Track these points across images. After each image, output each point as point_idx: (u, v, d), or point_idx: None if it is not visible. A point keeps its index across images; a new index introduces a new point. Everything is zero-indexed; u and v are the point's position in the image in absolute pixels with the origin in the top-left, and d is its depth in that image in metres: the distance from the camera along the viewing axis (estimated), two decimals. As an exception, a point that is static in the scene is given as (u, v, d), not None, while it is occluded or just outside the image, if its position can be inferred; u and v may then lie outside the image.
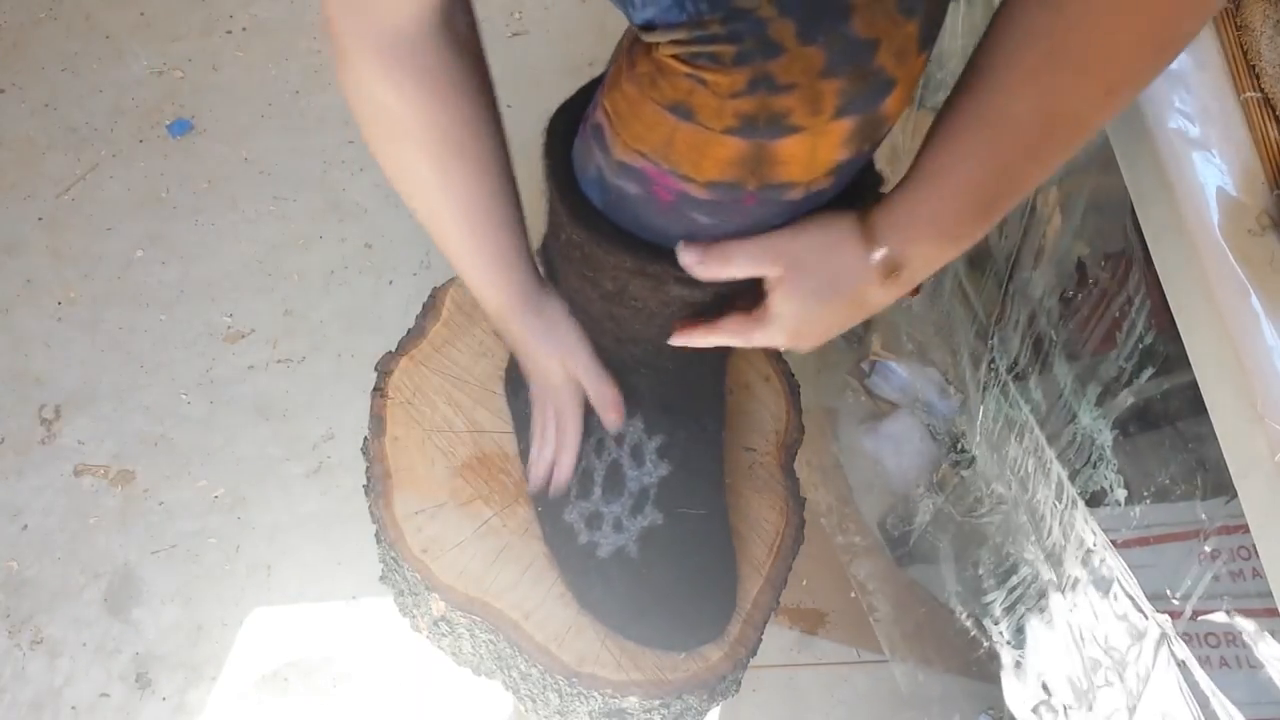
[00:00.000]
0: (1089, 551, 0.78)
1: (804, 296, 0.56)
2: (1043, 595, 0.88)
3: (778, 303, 0.57)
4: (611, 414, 0.74)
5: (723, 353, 0.78)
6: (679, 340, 0.64)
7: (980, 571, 0.98)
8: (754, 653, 0.82)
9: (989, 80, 0.48)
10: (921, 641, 1.22)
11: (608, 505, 0.77)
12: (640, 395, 0.75)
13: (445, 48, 0.54)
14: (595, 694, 0.77)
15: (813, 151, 0.48)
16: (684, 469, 0.77)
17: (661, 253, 0.58)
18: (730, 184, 0.50)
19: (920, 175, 0.52)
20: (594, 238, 0.59)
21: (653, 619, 0.77)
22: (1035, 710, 0.93)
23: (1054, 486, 0.82)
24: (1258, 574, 0.65)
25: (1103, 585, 0.76)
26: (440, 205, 0.62)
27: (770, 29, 0.43)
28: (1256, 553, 0.53)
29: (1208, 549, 0.67)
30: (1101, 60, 0.46)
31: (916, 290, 0.57)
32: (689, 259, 0.56)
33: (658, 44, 0.47)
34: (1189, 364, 0.57)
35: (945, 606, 1.20)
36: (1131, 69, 0.47)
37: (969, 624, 1.13)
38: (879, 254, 0.53)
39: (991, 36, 0.48)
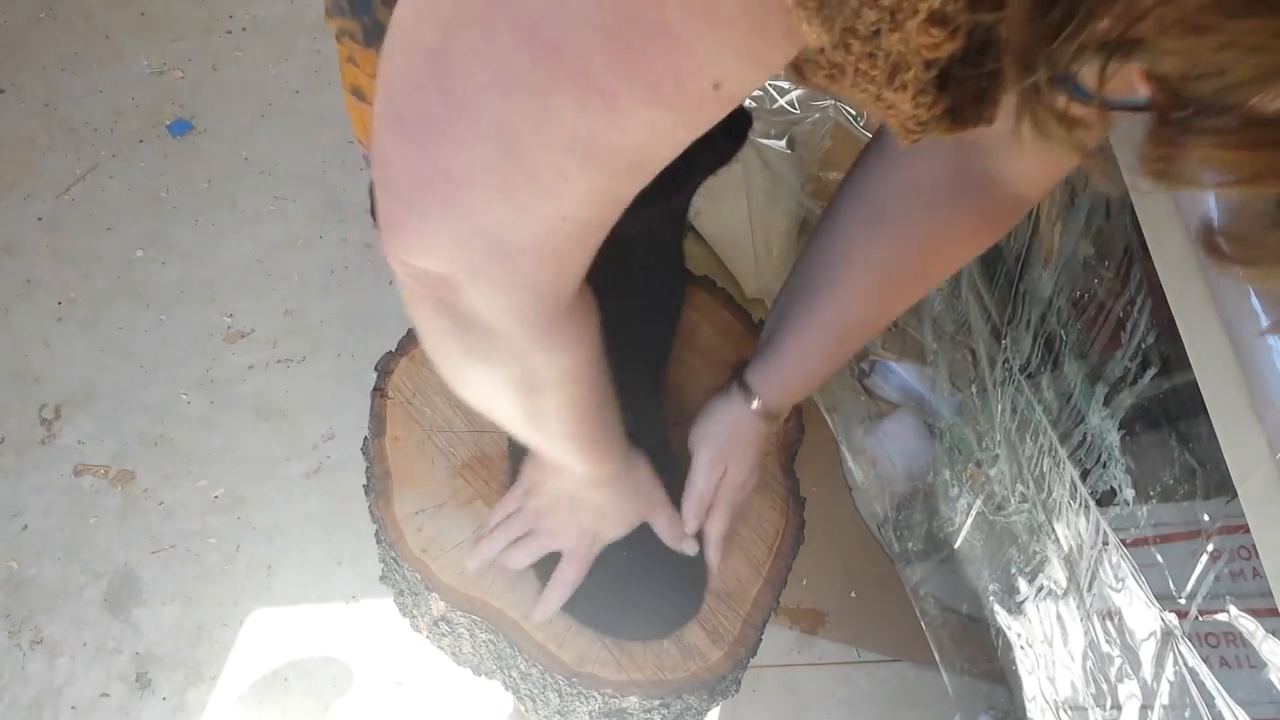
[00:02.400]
0: (1102, 551, 0.78)
1: (741, 466, 0.76)
2: (1062, 593, 0.88)
3: (730, 482, 0.76)
4: (686, 546, 0.78)
5: (655, 337, 0.82)
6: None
7: (1011, 570, 0.98)
8: (754, 653, 0.82)
9: (832, 294, 0.64)
10: (922, 641, 1.22)
11: None
12: None
13: (584, 291, 0.51)
14: (595, 694, 0.76)
15: None
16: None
17: None
18: None
19: (779, 353, 0.70)
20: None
21: (627, 605, 0.78)
22: (1050, 707, 0.93)
23: (1068, 486, 0.82)
24: (1258, 574, 0.64)
25: (1115, 585, 0.76)
26: (553, 425, 0.58)
27: (378, 13, 0.51)
28: (1257, 553, 0.53)
29: (1210, 549, 0.67)
30: (920, 279, 0.64)
31: (788, 419, 0.79)
32: (690, 548, 0.78)
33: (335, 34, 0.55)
34: (1189, 364, 0.57)
35: (947, 606, 1.20)
36: (942, 277, 0.67)
37: (979, 623, 1.13)
38: (756, 404, 0.72)
39: (828, 260, 0.64)
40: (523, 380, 0.51)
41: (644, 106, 0.33)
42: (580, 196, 0.37)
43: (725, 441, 0.75)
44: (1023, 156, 0.55)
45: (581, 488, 0.70)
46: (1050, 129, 0.33)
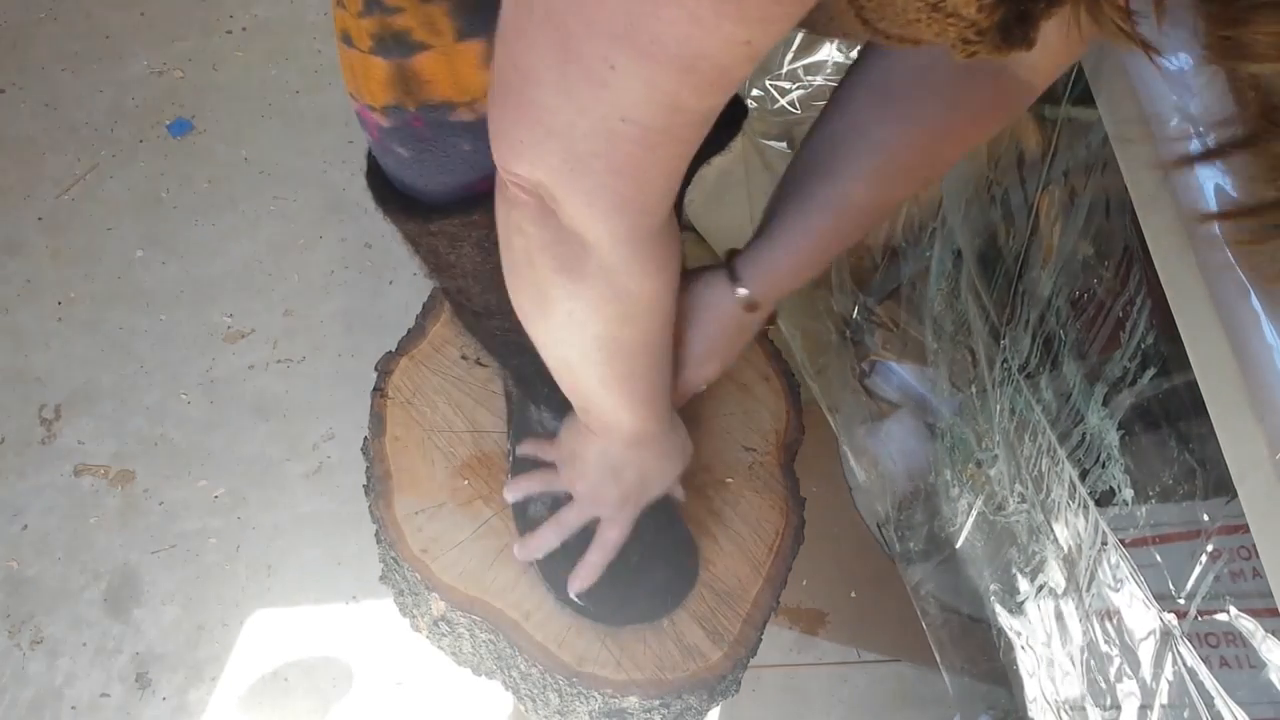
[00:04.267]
0: (1100, 551, 0.78)
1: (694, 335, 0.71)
2: (1061, 593, 0.88)
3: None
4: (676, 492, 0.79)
5: None
6: None
7: (1011, 570, 0.98)
8: (754, 653, 0.82)
9: (834, 174, 0.62)
10: (922, 641, 1.22)
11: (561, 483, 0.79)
12: (529, 380, 0.77)
13: (673, 216, 0.50)
14: (595, 694, 0.76)
15: (452, 70, 0.50)
16: None
17: (415, 208, 0.58)
18: (395, 107, 0.52)
19: (772, 236, 0.66)
20: (387, 215, 0.60)
21: (623, 589, 0.78)
22: (1050, 707, 0.93)
23: (1067, 486, 0.82)
24: (1258, 574, 0.64)
25: (1114, 585, 0.76)
26: (621, 364, 0.58)
27: None
28: (1257, 553, 0.53)
29: (1209, 549, 0.67)
30: (926, 166, 0.63)
31: (773, 319, 0.74)
32: None
33: None
34: (1189, 364, 0.57)
35: (948, 606, 1.20)
36: (946, 168, 0.67)
37: (980, 623, 1.13)
38: (742, 292, 0.68)
39: (833, 137, 0.63)
40: (606, 304, 0.51)
41: None
42: (635, 93, 0.37)
43: (691, 308, 0.71)
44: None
45: (625, 449, 0.69)
46: (1108, 20, 0.34)
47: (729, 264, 0.69)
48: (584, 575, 0.76)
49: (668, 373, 0.63)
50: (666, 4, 0.33)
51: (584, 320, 0.53)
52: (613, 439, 0.68)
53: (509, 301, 0.58)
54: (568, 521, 0.76)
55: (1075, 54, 0.57)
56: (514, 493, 0.80)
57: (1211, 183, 0.56)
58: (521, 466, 0.81)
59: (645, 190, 0.44)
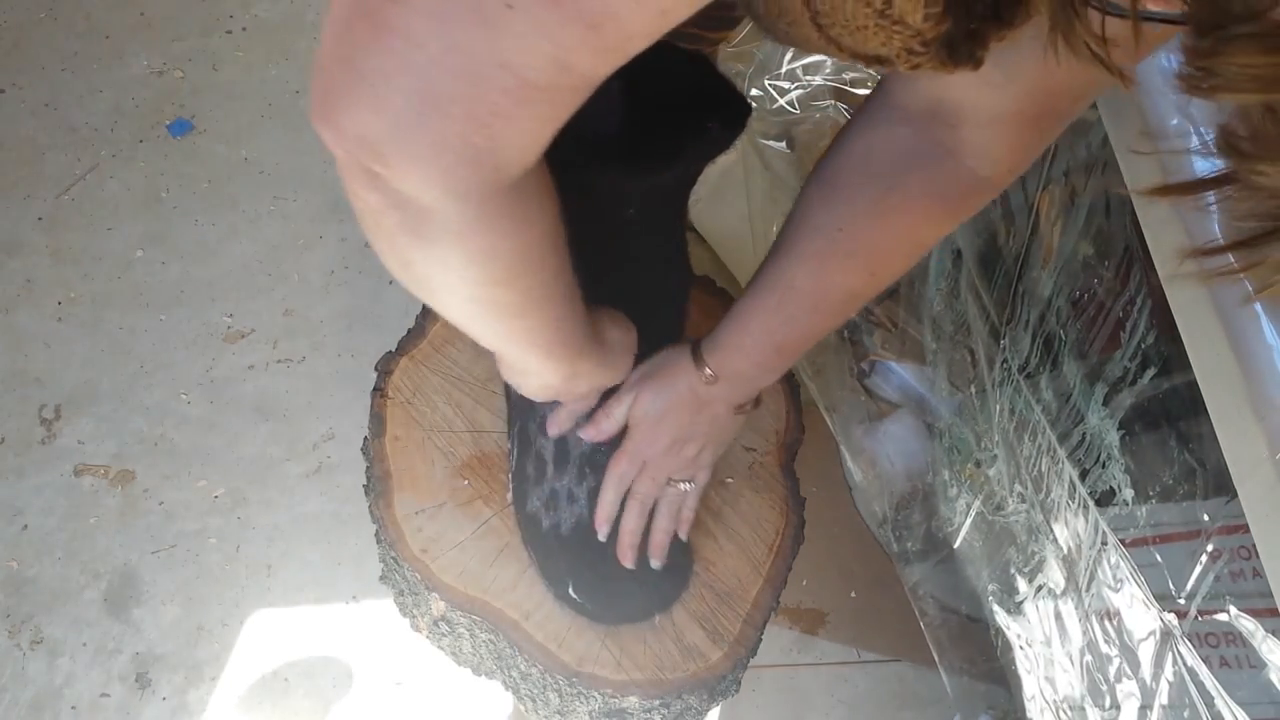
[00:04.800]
0: (1100, 551, 0.78)
1: (655, 399, 0.74)
2: (1061, 593, 0.88)
3: (637, 407, 0.74)
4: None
5: (657, 332, 0.78)
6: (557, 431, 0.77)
7: (1010, 570, 0.98)
8: (754, 653, 0.82)
9: (782, 259, 0.64)
10: (922, 641, 1.22)
11: (560, 480, 0.78)
12: None
13: (539, 169, 0.45)
14: (595, 694, 0.77)
15: None
16: None
17: None
18: None
19: (730, 316, 0.69)
20: None
21: (617, 587, 0.78)
22: (1049, 707, 0.93)
23: (1066, 486, 0.82)
24: (1258, 574, 0.64)
25: (1114, 585, 0.76)
26: (504, 321, 0.54)
27: None
28: (1256, 553, 0.53)
29: (1209, 549, 0.67)
30: (865, 254, 0.62)
31: (757, 403, 0.77)
32: (591, 435, 0.75)
33: None
34: (1189, 364, 0.57)
35: (947, 606, 1.20)
36: (889, 262, 0.64)
37: (979, 623, 1.13)
38: (706, 371, 0.71)
39: (786, 227, 0.65)
40: (466, 267, 0.47)
41: None
42: (525, 40, 0.34)
43: (652, 371, 0.74)
44: (987, 128, 0.54)
45: (567, 378, 0.65)
46: (1083, 48, 0.34)
47: (695, 342, 0.73)
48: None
49: (573, 312, 0.58)
50: None
51: (452, 285, 0.49)
52: (560, 378, 0.65)
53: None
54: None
55: (1034, 152, 0.57)
56: (555, 427, 0.77)
57: (1212, 192, 0.56)
58: (523, 470, 0.81)
59: (502, 145, 0.39)
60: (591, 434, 0.75)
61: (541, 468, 0.79)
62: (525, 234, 0.47)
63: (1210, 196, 0.35)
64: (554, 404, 0.77)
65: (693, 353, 0.72)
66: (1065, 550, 0.84)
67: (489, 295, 0.50)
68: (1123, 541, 0.75)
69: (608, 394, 0.76)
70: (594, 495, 0.78)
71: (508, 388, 0.87)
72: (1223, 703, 0.63)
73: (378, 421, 0.85)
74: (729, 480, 0.87)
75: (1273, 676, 0.61)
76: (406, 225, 0.44)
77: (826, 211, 0.61)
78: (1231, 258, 0.34)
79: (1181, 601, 0.69)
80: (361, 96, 0.37)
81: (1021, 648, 0.97)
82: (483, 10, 0.33)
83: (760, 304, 0.66)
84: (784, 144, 1.28)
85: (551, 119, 0.39)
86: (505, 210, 0.44)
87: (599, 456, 0.77)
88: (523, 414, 0.81)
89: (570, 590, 0.78)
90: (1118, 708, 0.77)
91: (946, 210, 0.60)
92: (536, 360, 0.60)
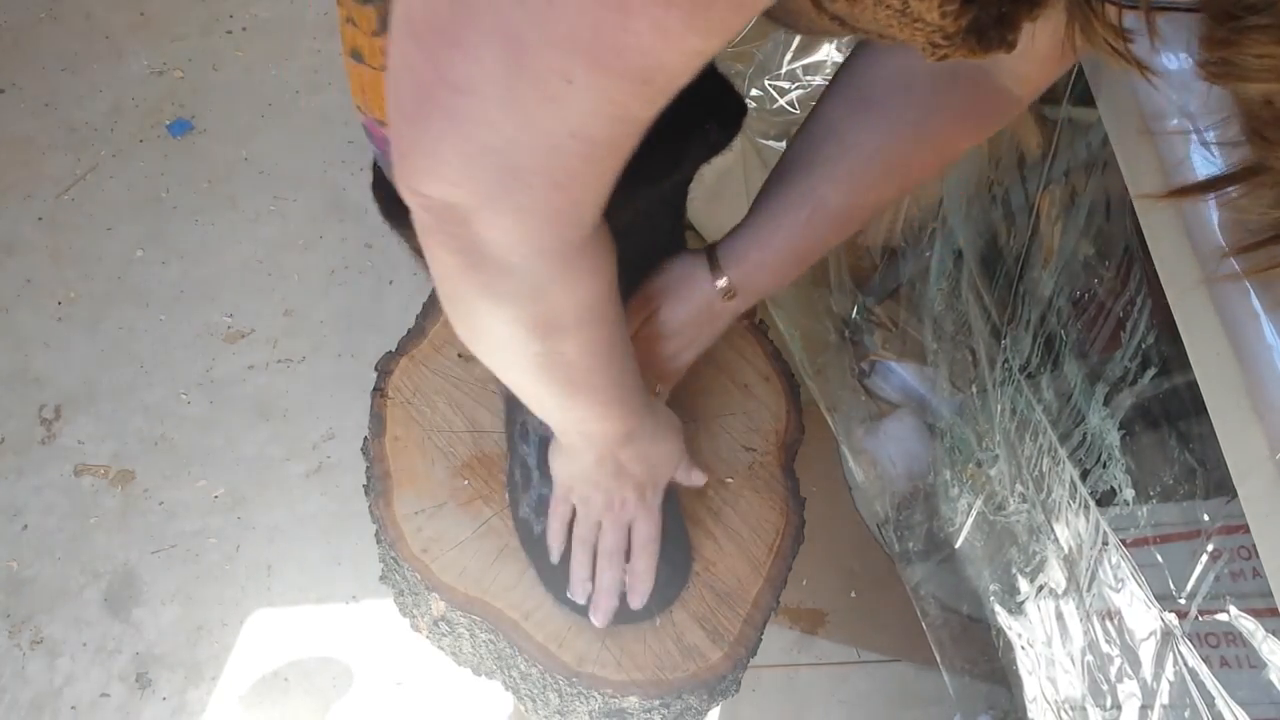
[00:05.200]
0: (1101, 551, 0.78)
1: (673, 313, 0.72)
2: (1062, 593, 0.88)
3: (660, 321, 0.72)
4: (695, 478, 0.78)
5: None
6: None
7: (1011, 570, 0.98)
8: (754, 653, 0.82)
9: (809, 174, 0.64)
10: (922, 641, 1.22)
11: (547, 486, 0.78)
12: None
13: (602, 223, 0.48)
14: (595, 694, 0.76)
15: None
16: None
17: None
18: None
19: (751, 228, 0.68)
20: (385, 219, 0.59)
21: (620, 581, 0.78)
22: (1050, 707, 0.93)
23: (1067, 486, 0.82)
24: (1258, 574, 0.64)
25: (1115, 585, 0.76)
26: (573, 376, 0.56)
27: None
28: (1257, 553, 0.53)
29: (1210, 549, 0.67)
30: (901, 172, 0.63)
31: (750, 315, 0.77)
32: None
33: None
34: (1189, 364, 0.57)
35: (948, 606, 1.20)
36: (922, 177, 0.65)
37: (980, 623, 1.13)
38: (722, 281, 0.69)
39: (813, 139, 0.64)
40: (539, 322, 0.49)
41: (652, 4, 0.31)
42: (587, 107, 0.36)
43: (671, 285, 0.72)
44: (1018, 54, 0.56)
45: (615, 451, 0.67)
46: (1100, 39, 0.34)
47: (710, 251, 0.70)
48: (639, 585, 0.75)
49: (631, 369, 0.61)
50: (636, 16, 0.32)
51: (522, 340, 0.51)
52: (593, 450, 0.67)
53: None
54: (610, 546, 0.75)
55: (1064, 66, 0.57)
56: (555, 545, 0.77)
57: (1213, 193, 0.56)
58: (513, 476, 0.81)
59: (580, 203, 0.43)
60: None
61: (527, 474, 0.79)
62: (595, 284, 0.50)
63: (1214, 199, 0.35)
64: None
65: (710, 266, 0.70)
66: (1066, 550, 0.84)
67: (556, 348, 0.52)
68: (1124, 541, 0.75)
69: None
70: None
71: (502, 391, 0.87)
72: (1223, 703, 0.63)
73: (378, 421, 0.85)
74: (729, 480, 0.87)
75: (1273, 676, 0.60)
76: (483, 285, 0.46)
77: (864, 131, 0.61)
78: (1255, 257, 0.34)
79: (1182, 601, 0.69)
80: (446, 176, 0.40)
81: (1023, 648, 0.97)
82: (547, 89, 0.35)
83: (788, 220, 0.66)
84: (784, 144, 1.28)
85: (616, 168, 0.42)
86: (580, 263, 0.47)
87: None
88: (513, 419, 0.81)
89: (567, 592, 0.78)
90: (1119, 708, 0.77)
91: (981, 127, 0.62)
92: (596, 418, 0.61)
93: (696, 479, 0.78)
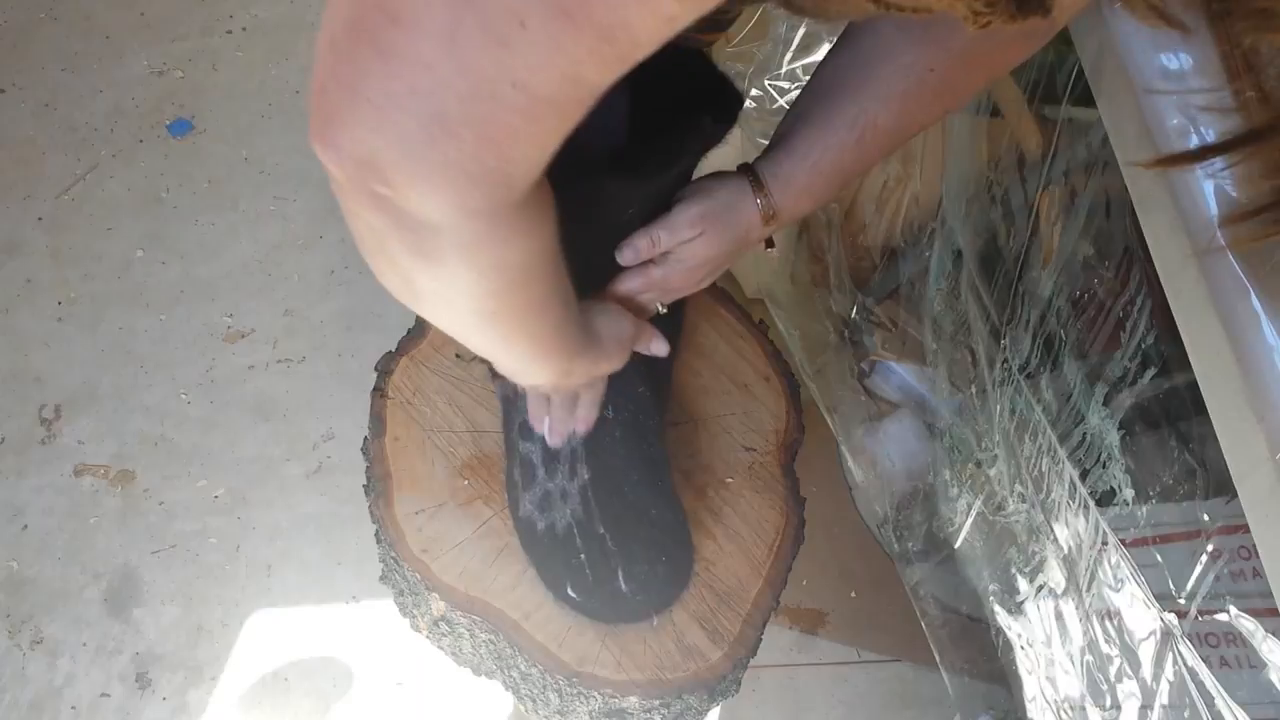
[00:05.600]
0: (1101, 551, 0.78)
1: (716, 242, 0.69)
2: (1061, 593, 0.88)
3: (695, 252, 0.69)
4: (658, 346, 0.74)
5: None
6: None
7: (1011, 570, 0.98)
8: (754, 653, 0.82)
9: (859, 95, 0.63)
10: (922, 641, 1.22)
11: (552, 480, 0.78)
12: None
13: (541, 181, 0.45)
14: (595, 694, 0.77)
15: None
16: (604, 422, 0.78)
17: None
18: None
19: (793, 150, 0.66)
20: None
21: (616, 587, 0.78)
22: (1050, 707, 0.93)
23: (1067, 486, 0.82)
24: (1258, 574, 0.64)
25: (1115, 585, 0.76)
26: (510, 332, 0.54)
27: None
28: (1257, 553, 0.53)
29: (1210, 549, 0.67)
30: (951, 93, 0.63)
31: (770, 244, 0.74)
32: (627, 257, 0.68)
33: None
34: (1189, 364, 0.57)
35: (947, 606, 1.20)
36: (967, 98, 0.66)
37: (979, 623, 1.13)
38: (766, 206, 0.67)
39: (860, 58, 0.63)
40: (471, 281, 0.46)
41: None
42: (537, 58, 0.33)
43: (718, 211, 0.68)
44: None
45: (558, 380, 0.65)
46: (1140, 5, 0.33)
47: (752, 173, 0.68)
48: (582, 425, 0.74)
49: (572, 313, 0.59)
50: None
51: (456, 300, 0.48)
52: (540, 378, 0.64)
53: None
54: (559, 400, 0.74)
55: None
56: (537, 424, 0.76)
57: (1211, 183, 0.56)
58: (511, 476, 0.81)
59: (512, 163, 0.39)
60: (629, 256, 0.69)
61: (531, 471, 0.79)
62: (531, 244, 0.47)
63: (1219, 163, 0.34)
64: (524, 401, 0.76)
65: (754, 189, 0.67)
66: (1066, 550, 0.84)
67: (492, 307, 0.50)
68: (1123, 541, 0.75)
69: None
70: (586, 492, 0.78)
71: (499, 393, 0.87)
72: (1223, 703, 0.63)
73: (378, 422, 0.85)
74: (729, 480, 0.88)
75: (1273, 676, 0.61)
76: (411, 245, 0.43)
77: (914, 51, 0.61)
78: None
79: (1182, 601, 0.69)
80: (365, 119, 0.36)
81: (1022, 648, 0.97)
82: (495, 31, 0.32)
83: (836, 141, 0.64)
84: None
85: (559, 132, 0.38)
86: (513, 223, 0.43)
87: (589, 452, 0.77)
88: (510, 419, 0.81)
89: (569, 590, 0.78)
90: (1118, 708, 0.77)
91: (1023, 49, 0.62)
92: (534, 364, 0.60)
93: (658, 348, 0.75)
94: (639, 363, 0.78)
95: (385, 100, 0.35)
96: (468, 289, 0.47)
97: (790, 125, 0.66)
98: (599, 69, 0.34)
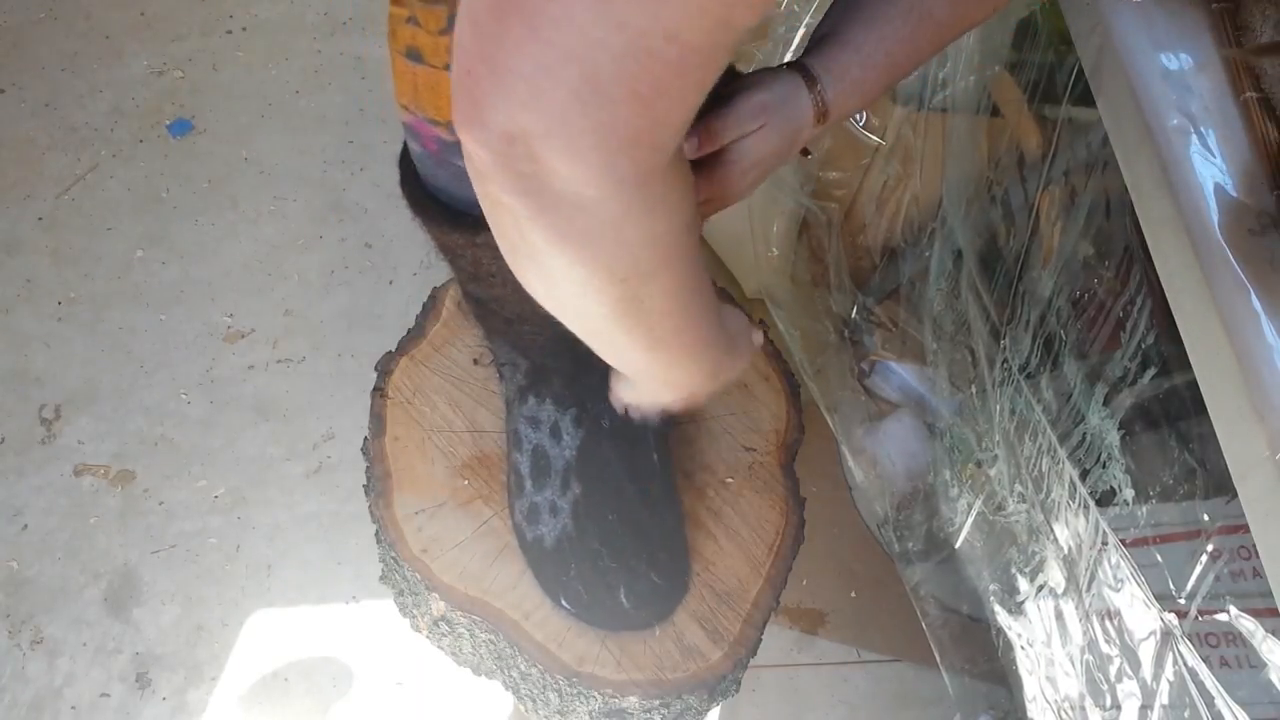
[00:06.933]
0: (1101, 551, 0.78)
1: (774, 138, 0.65)
2: (1061, 593, 0.88)
3: (753, 148, 0.64)
4: (757, 335, 0.71)
5: None
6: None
7: (1011, 570, 0.98)
8: (754, 653, 0.82)
9: None
10: (922, 641, 1.22)
11: (540, 493, 0.78)
12: (545, 375, 0.75)
13: (681, 150, 0.44)
14: (595, 694, 0.77)
15: None
16: (599, 434, 0.77)
17: (461, 220, 0.57)
18: None
19: (852, 44, 0.63)
20: (417, 215, 0.58)
21: (612, 599, 0.77)
22: (1050, 707, 0.93)
23: (1067, 486, 0.82)
24: (1258, 574, 0.64)
25: (1115, 585, 0.76)
26: (656, 323, 0.52)
27: None
28: (1257, 553, 0.53)
29: (1210, 549, 0.67)
30: None
31: (806, 151, 0.70)
32: (689, 150, 0.61)
33: None
34: (1189, 364, 0.57)
35: (948, 606, 1.20)
36: None
37: (979, 623, 1.13)
38: (816, 97, 0.63)
39: None
40: (617, 265, 0.45)
41: None
42: (691, 6, 0.33)
43: (777, 104, 0.64)
44: None
45: (696, 393, 0.63)
46: None
47: (803, 68, 0.64)
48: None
49: (714, 306, 0.57)
50: None
51: (598, 288, 0.46)
52: (679, 391, 0.62)
53: (536, 309, 0.53)
54: None
55: None
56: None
57: (1211, 182, 0.56)
58: (507, 482, 0.81)
59: (663, 124, 0.38)
60: (688, 149, 0.63)
61: (520, 482, 0.79)
62: (676, 216, 0.45)
63: None
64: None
65: (808, 85, 0.64)
66: (1066, 550, 0.84)
67: (637, 293, 0.48)
68: (1123, 541, 0.75)
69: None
70: (579, 507, 0.77)
71: (504, 388, 0.87)
72: (1223, 702, 0.63)
73: (378, 421, 0.85)
74: (729, 480, 0.88)
75: (1273, 676, 0.61)
76: (556, 230, 0.42)
77: None
78: None
79: (1182, 601, 0.69)
80: (516, 94, 0.36)
81: (1022, 647, 0.97)
82: None
83: (891, 32, 0.62)
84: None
85: (705, 85, 0.38)
86: (660, 192, 0.43)
87: (582, 467, 0.77)
88: (511, 421, 0.81)
89: (561, 601, 0.78)
90: (1118, 707, 0.77)
91: None
92: (681, 365, 0.57)
93: (757, 337, 0.73)
94: None
95: (537, 72, 0.35)
96: (610, 273, 0.45)
97: (839, 17, 0.63)
98: (747, 11, 0.34)
